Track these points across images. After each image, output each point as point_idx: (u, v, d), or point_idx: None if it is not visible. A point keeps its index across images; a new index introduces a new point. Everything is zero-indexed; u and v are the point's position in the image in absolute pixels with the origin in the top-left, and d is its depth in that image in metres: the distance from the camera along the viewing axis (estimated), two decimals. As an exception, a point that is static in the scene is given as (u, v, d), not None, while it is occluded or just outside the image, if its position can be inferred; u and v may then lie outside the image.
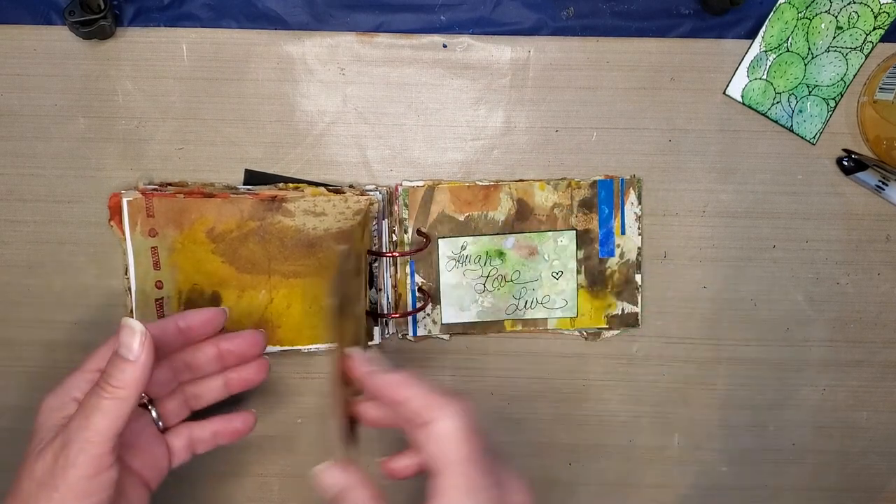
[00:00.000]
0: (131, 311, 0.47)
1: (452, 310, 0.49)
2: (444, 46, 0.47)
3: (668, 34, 0.47)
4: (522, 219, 0.48)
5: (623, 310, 0.49)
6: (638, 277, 0.49)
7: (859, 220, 0.49)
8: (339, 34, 0.47)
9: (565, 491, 0.52)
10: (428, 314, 0.49)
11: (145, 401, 0.41)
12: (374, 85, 0.48)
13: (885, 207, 0.49)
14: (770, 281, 0.50)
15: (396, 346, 0.50)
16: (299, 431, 0.51)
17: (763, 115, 0.48)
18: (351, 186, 0.48)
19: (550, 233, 0.48)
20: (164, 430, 0.41)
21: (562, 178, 0.48)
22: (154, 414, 0.41)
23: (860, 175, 0.48)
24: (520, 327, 0.50)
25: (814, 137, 0.48)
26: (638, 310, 0.49)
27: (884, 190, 0.48)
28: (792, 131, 0.48)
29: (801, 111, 0.48)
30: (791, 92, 0.48)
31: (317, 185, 0.48)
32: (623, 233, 0.48)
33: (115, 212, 0.47)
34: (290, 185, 0.47)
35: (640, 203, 0.48)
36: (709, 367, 0.51)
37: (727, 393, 0.51)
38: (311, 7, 0.47)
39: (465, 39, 0.47)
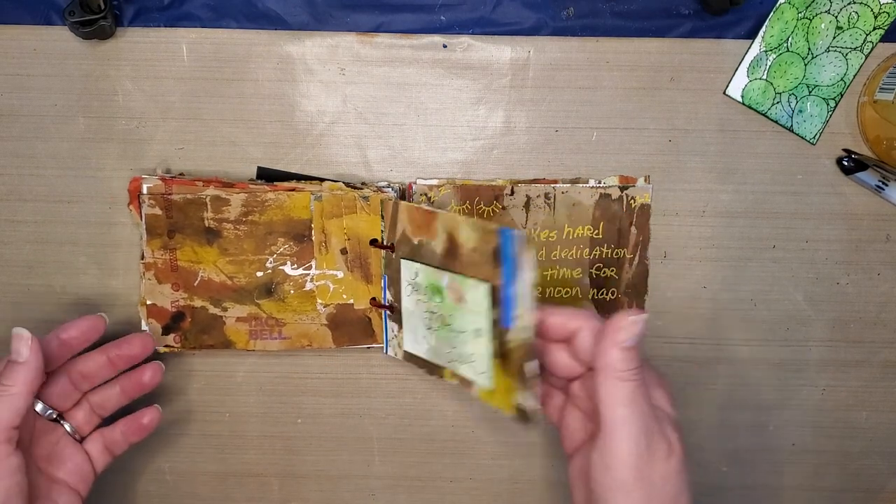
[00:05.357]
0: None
1: (410, 337, 0.46)
2: (444, 46, 0.47)
3: (668, 34, 0.47)
4: (452, 257, 0.41)
5: (521, 402, 0.39)
6: (533, 365, 0.38)
7: (859, 220, 0.49)
8: (339, 34, 0.47)
9: (565, 491, 0.52)
10: (396, 335, 0.47)
11: (55, 416, 0.44)
12: (374, 85, 0.48)
13: (885, 207, 0.49)
14: (770, 281, 0.50)
15: (396, 346, 0.50)
16: (299, 431, 0.51)
17: (763, 115, 0.48)
18: (364, 184, 0.48)
19: (471, 280, 0.40)
20: (81, 440, 0.45)
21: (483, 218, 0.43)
22: (67, 427, 0.44)
23: (860, 175, 0.48)
24: (456, 382, 0.43)
25: (814, 137, 0.48)
26: (536, 406, 0.39)
27: (884, 190, 0.48)
28: (792, 131, 0.48)
29: (801, 111, 0.48)
30: (791, 92, 0.48)
31: (334, 182, 0.48)
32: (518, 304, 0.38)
33: (135, 196, 0.47)
34: (307, 181, 0.48)
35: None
36: (709, 367, 0.51)
37: (727, 393, 0.51)
38: (311, 7, 0.47)
39: (465, 39, 0.47)
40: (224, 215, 0.47)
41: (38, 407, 0.43)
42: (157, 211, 0.46)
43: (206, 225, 0.47)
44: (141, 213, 0.47)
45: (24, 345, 0.39)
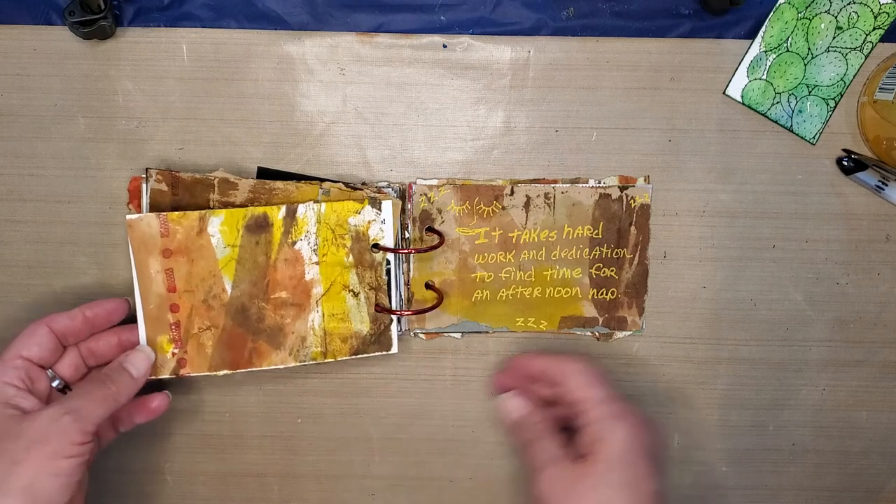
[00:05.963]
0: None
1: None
2: (444, 46, 0.47)
3: (668, 34, 0.47)
4: None
5: None
6: None
7: (859, 220, 0.49)
8: (339, 34, 0.47)
9: (565, 491, 0.52)
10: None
11: (62, 386, 0.44)
12: (374, 85, 0.48)
13: (885, 207, 0.49)
14: (770, 281, 0.50)
15: (402, 346, 0.50)
16: (299, 431, 0.51)
17: (763, 115, 0.48)
18: (364, 184, 0.48)
19: None
20: None
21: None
22: None
23: (860, 175, 0.48)
24: None
25: (814, 137, 0.48)
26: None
27: (884, 190, 0.48)
28: (792, 131, 0.48)
29: (800, 111, 0.48)
30: (791, 92, 0.48)
31: (333, 182, 0.48)
32: None
33: (135, 195, 0.47)
34: (305, 182, 0.47)
35: None
36: (709, 367, 0.51)
37: (727, 393, 0.51)
38: (311, 7, 0.47)
39: (465, 39, 0.47)
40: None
41: (49, 375, 0.44)
42: (164, 187, 0.46)
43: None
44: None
45: (146, 364, 0.44)
